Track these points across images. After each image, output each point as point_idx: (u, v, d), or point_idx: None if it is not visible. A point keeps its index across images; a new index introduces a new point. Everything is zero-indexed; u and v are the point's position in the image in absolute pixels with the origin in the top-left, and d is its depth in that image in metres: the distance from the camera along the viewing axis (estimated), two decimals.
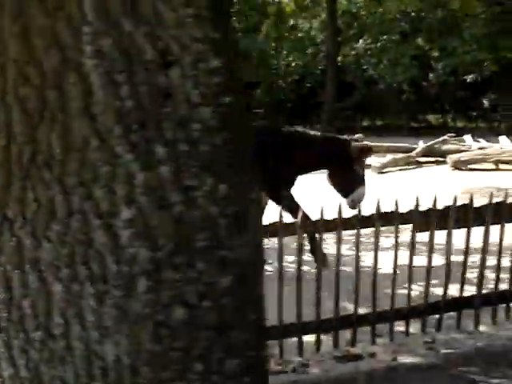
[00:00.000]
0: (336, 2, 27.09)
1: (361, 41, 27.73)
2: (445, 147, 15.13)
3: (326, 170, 6.40)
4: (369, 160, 12.06)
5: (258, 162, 4.76)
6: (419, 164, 14.63)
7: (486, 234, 4.32)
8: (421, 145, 15.26)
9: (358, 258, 4.07)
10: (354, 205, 5.86)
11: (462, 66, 22.93)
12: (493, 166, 14.04)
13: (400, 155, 14.59)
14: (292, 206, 5.72)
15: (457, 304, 4.35)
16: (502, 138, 15.91)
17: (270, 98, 32.37)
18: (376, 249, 4.09)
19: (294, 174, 6.24)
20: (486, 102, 29.18)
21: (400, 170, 13.93)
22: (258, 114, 32.02)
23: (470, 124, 27.71)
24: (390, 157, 14.22)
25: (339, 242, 4.04)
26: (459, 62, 22.60)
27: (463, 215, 4.22)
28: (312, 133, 6.60)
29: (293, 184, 6.27)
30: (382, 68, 25.97)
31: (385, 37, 25.59)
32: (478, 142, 16.07)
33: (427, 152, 15.01)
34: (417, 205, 4.17)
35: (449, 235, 4.23)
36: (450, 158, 13.79)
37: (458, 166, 13.60)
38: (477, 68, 22.64)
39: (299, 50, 29.31)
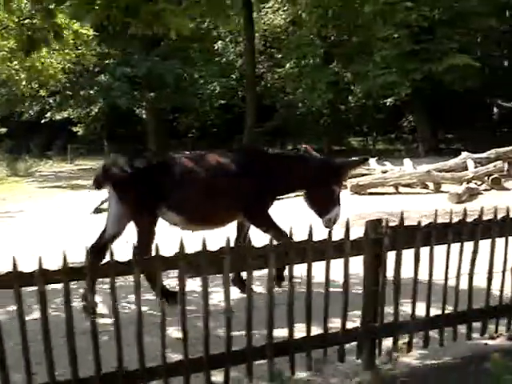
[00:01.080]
0: (253, 26, 26.92)
1: (288, 65, 27.62)
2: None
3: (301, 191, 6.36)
4: None
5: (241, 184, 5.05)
6: None
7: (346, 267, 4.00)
8: None
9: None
10: (329, 225, 5.87)
11: (377, 90, 22.97)
12: (393, 190, 13.83)
13: None
14: (274, 228, 5.77)
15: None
16: (406, 161, 15.77)
17: (199, 123, 32.06)
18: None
19: (275, 195, 6.23)
20: (405, 125, 29.61)
21: (297, 195, 13.40)
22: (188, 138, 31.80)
23: (391, 146, 27.96)
24: None
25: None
26: (371, 86, 22.64)
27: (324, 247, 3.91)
28: (293, 155, 6.73)
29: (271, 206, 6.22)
30: (300, 92, 25.89)
31: (303, 61, 25.52)
32: (384, 165, 15.88)
33: None
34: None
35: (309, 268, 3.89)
36: (350, 183, 13.45)
37: (356, 190, 13.26)
38: (394, 91, 22.70)
39: (219, 76, 28.94)
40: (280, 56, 27.57)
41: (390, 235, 3.92)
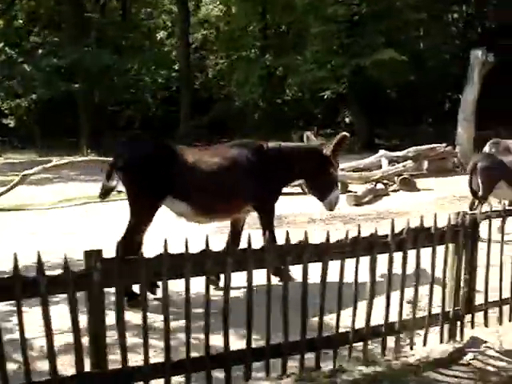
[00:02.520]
0: (188, 17, 26.38)
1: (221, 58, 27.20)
2: None
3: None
4: None
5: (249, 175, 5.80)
6: None
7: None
8: None
9: None
10: (331, 206, 6.69)
11: (308, 84, 22.64)
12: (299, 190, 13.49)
13: None
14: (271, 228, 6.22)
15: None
16: None
17: (140, 115, 31.38)
18: None
19: (281, 186, 6.64)
20: (345, 119, 29.39)
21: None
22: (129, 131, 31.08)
23: (327, 141, 27.65)
24: None
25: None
26: (302, 80, 22.30)
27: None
28: (291, 145, 7.00)
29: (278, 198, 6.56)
30: (233, 85, 25.44)
31: (236, 55, 25.07)
32: None
33: None
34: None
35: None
36: None
37: None
38: (323, 86, 22.36)
39: (157, 67, 28.32)
40: (215, 48, 26.97)
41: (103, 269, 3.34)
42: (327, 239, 3.91)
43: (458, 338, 4.64)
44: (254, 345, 3.82)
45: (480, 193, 8.41)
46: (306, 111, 27.59)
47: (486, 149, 11.13)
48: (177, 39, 27.58)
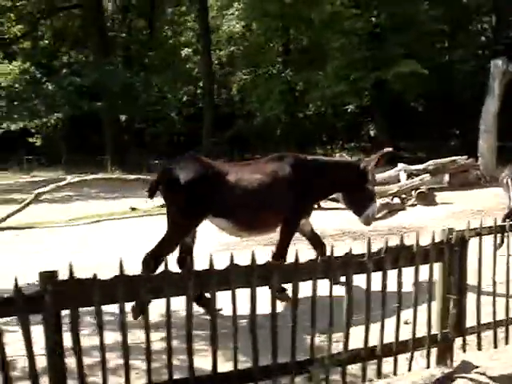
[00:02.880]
0: (208, 32, 26.53)
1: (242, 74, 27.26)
2: None
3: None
4: None
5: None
6: None
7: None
8: None
9: None
10: (368, 221, 6.73)
11: (328, 99, 22.44)
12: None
13: None
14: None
15: None
16: None
17: (166, 131, 31.62)
18: None
19: (317, 199, 7.13)
20: (370, 133, 29.08)
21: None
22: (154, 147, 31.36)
23: (351, 155, 27.39)
24: None
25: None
26: (322, 95, 22.13)
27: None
28: (328, 159, 7.27)
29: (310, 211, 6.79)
30: (254, 101, 25.41)
31: (257, 70, 25.06)
32: None
33: None
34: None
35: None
36: None
37: None
38: (343, 100, 22.18)
39: (181, 84, 28.61)
40: (238, 65, 27.00)
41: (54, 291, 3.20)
42: (296, 260, 3.73)
43: (448, 362, 4.39)
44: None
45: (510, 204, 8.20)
46: (329, 125, 27.42)
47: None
48: (199, 56, 27.73)
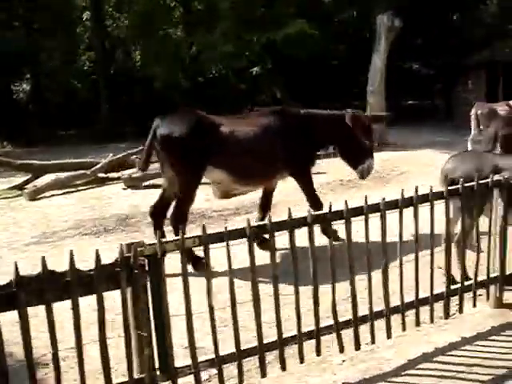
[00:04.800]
0: None
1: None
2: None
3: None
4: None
5: (283, 142, 6.50)
6: (103, 182, 12.32)
7: None
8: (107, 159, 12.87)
9: None
10: (362, 175, 6.96)
11: (219, 61, 21.15)
12: None
13: (74, 173, 12.15)
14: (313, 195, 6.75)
15: None
16: None
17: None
18: None
19: (313, 151, 6.98)
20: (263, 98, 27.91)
21: (67, 192, 11.56)
22: None
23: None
24: (52, 177, 11.80)
25: None
26: (214, 57, 20.78)
27: None
28: (319, 112, 7.08)
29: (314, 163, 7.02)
30: (152, 65, 23.72)
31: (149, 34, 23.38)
32: None
33: (116, 167, 12.69)
34: None
35: None
36: (123, 175, 11.76)
37: (129, 184, 11.50)
38: (234, 62, 20.90)
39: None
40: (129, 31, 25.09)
41: None
42: None
43: None
44: None
45: None
46: (233, 89, 26.08)
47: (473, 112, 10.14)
48: (90, 21, 25.91)
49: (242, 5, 19.66)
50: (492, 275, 4.74)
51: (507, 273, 4.80)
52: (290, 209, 3.72)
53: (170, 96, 25.43)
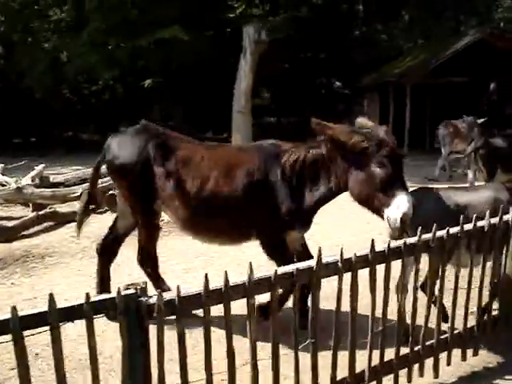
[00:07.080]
0: None
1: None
2: None
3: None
4: None
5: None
6: None
7: None
8: None
9: None
10: (394, 226, 3.87)
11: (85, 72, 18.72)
12: None
13: None
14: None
15: None
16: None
17: None
18: None
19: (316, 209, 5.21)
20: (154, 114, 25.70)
21: None
22: None
23: None
24: None
25: None
26: (79, 66, 18.35)
27: None
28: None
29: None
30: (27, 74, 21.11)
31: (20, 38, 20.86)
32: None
33: None
34: None
35: None
36: None
37: None
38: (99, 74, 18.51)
39: None
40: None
41: None
42: None
43: None
44: None
45: None
46: (121, 104, 23.68)
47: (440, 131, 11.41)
48: None
49: (113, 5, 17.25)
50: None
51: None
52: None
53: (53, 108, 23.00)
